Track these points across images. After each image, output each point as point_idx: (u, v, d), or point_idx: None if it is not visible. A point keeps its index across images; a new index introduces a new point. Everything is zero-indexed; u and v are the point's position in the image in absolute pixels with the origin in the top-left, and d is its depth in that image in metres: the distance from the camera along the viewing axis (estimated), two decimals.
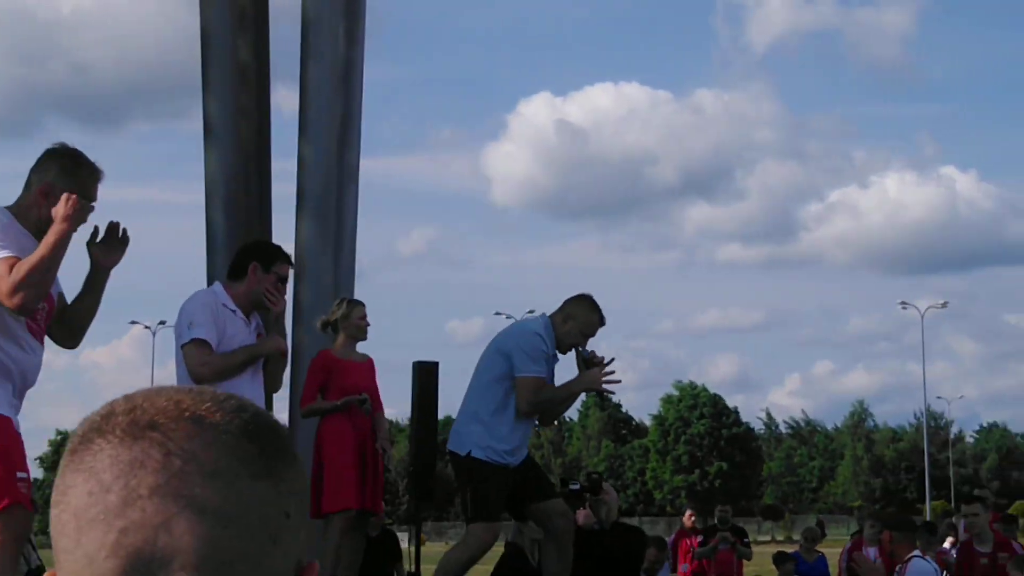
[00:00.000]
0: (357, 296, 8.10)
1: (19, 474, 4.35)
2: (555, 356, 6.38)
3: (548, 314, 6.40)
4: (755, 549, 14.77)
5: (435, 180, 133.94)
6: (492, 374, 6.30)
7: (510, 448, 6.25)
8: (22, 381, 4.52)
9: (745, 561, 14.28)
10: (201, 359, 5.41)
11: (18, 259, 4.29)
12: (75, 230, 4.41)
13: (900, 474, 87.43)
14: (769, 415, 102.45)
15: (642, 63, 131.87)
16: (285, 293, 5.79)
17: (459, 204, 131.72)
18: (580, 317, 6.35)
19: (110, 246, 4.81)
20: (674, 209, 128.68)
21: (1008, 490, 77.63)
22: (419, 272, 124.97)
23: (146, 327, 62.21)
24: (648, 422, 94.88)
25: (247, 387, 5.74)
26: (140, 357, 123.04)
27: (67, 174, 4.54)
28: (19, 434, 4.47)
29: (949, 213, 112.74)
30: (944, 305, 65.80)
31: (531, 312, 73.47)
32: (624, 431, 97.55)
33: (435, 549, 26.45)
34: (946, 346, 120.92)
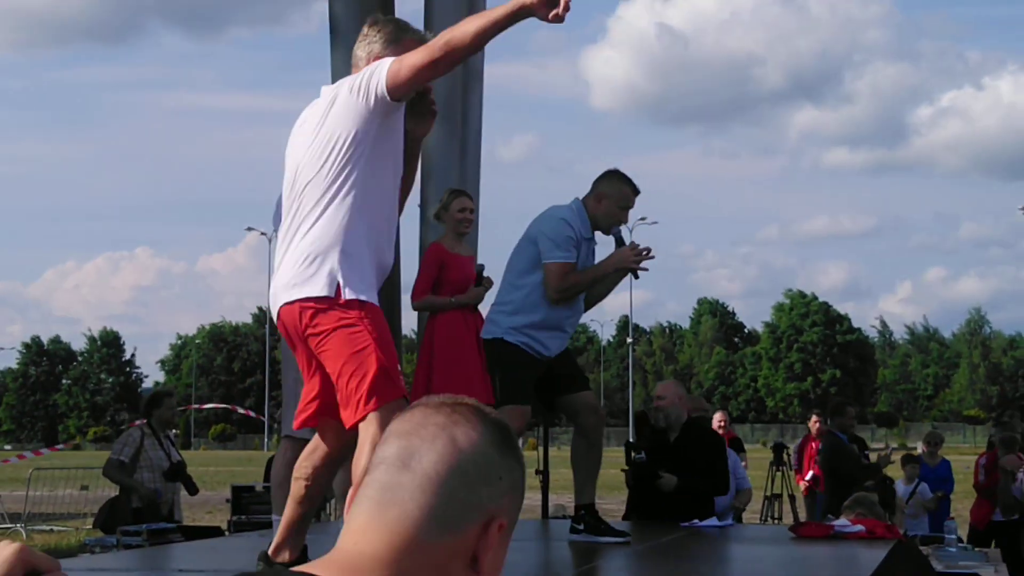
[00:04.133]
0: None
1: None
2: (592, 239, 6.23)
3: (580, 197, 6.24)
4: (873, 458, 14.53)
5: (534, 85, 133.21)
6: (522, 263, 6.17)
7: (543, 336, 6.11)
8: (382, 265, 4.24)
9: None
10: None
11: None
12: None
13: (1018, 382, 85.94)
14: (883, 323, 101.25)
15: None
16: None
17: (559, 110, 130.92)
18: (612, 193, 6.18)
19: (420, 115, 4.33)
20: (779, 114, 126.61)
21: None
22: (521, 179, 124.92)
23: (262, 233, 63.19)
24: (760, 329, 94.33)
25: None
26: (256, 264, 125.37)
27: (393, 42, 4.20)
28: None
29: None
30: None
31: (642, 219, 71.21)
32: (736, 338, 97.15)
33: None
34: None
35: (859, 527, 6.46)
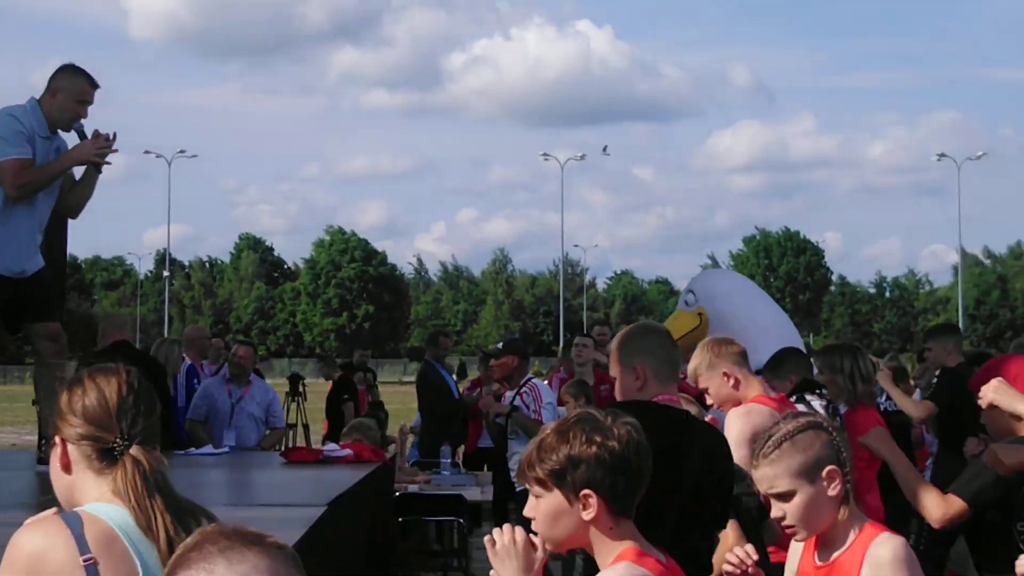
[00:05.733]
0: None
1: None
2: (49, 137, 6.13)
3: (36, 97, 6.12)
4: (403, 389, 15.69)
5: (69, 11, 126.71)
6: None
7: (10, 254, 6.02)
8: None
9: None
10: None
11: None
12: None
13: (538, 318, 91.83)
14: (420, 260, 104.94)
15: None
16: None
17: (94, 38, 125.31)
18: (68, 86, 6.09)
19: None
20: (320, 53, 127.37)
21: None
22: None
23: None
24: (300, 265, 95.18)
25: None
26: None
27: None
28: None
29: (583, 69, 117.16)
30: (583, 158, 69.18)
31: (182, 152, 68.96)
32: (276, 274, 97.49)
33: None
34: (581, 197, 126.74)
35: (347, 451, 7.04)
